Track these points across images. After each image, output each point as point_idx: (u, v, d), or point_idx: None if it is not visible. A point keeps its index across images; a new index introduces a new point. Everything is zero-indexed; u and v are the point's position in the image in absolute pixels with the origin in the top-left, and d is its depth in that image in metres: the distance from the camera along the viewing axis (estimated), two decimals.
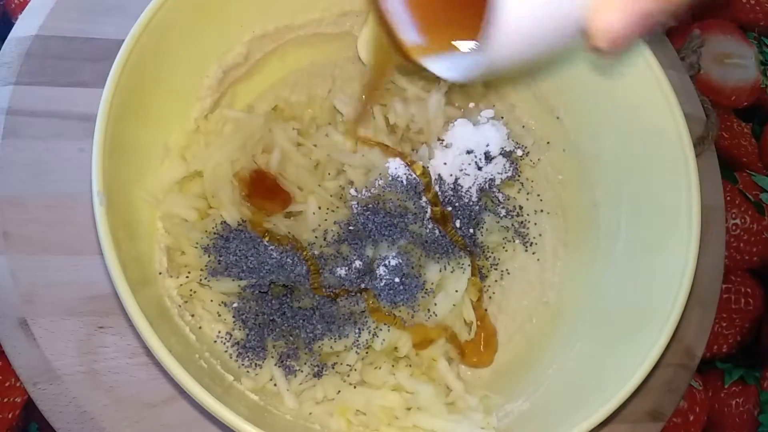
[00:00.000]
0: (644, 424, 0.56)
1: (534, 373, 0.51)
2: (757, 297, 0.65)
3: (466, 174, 0.55)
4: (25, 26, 0.56)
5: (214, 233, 0.50)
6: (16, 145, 0.53)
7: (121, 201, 0.44)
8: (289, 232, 0.52)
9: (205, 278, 0.49)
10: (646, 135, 0.48)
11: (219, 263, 0.50)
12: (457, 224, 0.54)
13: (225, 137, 0.52)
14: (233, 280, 0.50)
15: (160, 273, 0.48)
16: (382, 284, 0.50)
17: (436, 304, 0.51)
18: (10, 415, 0.53)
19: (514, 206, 0.57)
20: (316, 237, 0.52)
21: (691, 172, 0.46)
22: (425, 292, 0.51)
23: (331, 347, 0.49)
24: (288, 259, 0.50)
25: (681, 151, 0.47)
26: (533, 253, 0.57)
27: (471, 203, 0.54)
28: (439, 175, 0.55)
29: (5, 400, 0.53)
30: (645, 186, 0.50)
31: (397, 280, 0.50)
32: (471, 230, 0.54)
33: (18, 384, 0.52)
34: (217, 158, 0.51)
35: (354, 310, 0.50)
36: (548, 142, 0.58)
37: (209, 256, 0.50)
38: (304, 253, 0.51)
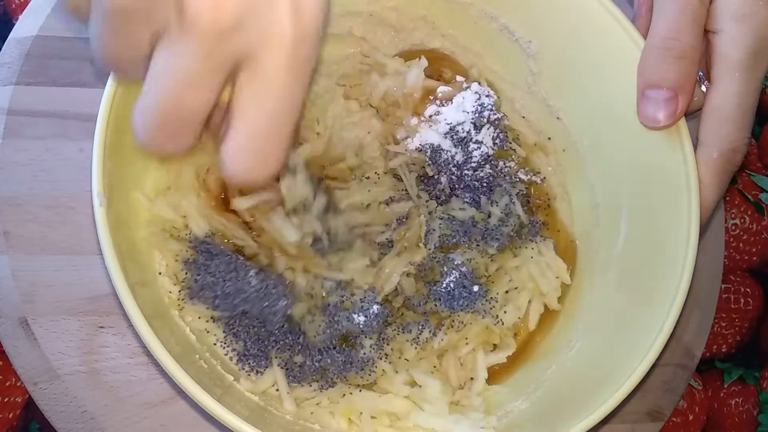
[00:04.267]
0: (643, 423, 0.56)
1: (533, 372, 0.51)
2: (756, 297, 0.65)
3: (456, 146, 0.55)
4: (25, 26, 0.56)
5: (192, 247, 0.49)
6: (17, 145, 0.53)
7: (121, 201, 0.44)
8: (260, 252, 0.50)
9: (182, 299, 0.48)
10: (646, 135, 0.48)
11: (195, 282, 0.48)
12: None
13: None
14: (207, 307, 0.48)
15: (159, 273, 0.48)
16: (442, 288, 0.51)
17: (506, 312, 0.52)
18: (10, 415, 0.53)
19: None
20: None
21: (690, 172, 0.46)
22: (487, 300, 0.52)
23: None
24: (272, 290, 0.48)
25: (681, 151, 0.47)
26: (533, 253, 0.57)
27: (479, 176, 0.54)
28: (431, 145, 0.55)
29: (6, 399, 0.53)
30: (645, 186, 0.50)
31: (457, 289, 0.51)
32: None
33: (19, 384, 0.52)
34: (179, 164, 0.50)
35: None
36: (549, 138, 0.57)
37: (186, 273, 0.48)
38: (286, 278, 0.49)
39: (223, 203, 0.52)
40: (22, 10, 0.57)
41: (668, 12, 0.46)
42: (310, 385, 0.48)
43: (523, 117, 0.58)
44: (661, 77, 0.46)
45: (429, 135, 0.55)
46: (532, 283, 0.54)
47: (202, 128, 0.33)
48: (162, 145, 0.33)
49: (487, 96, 0.56)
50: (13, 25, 0.57)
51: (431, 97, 0.56)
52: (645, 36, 0.48)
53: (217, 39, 0.30)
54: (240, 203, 0.51)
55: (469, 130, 0.55)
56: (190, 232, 0.50)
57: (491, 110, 0.55)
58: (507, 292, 0.54)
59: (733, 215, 0.66)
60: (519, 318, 0.53)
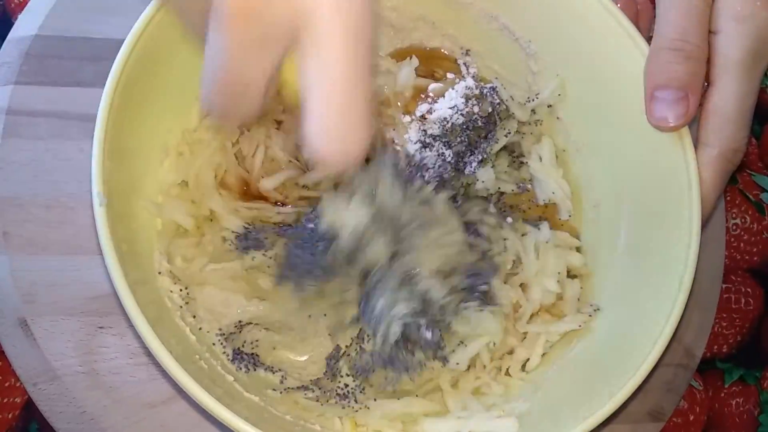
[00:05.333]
0: (644, 424, 0.56)
1: (533, 373, 0.51)
2: (757, 297, 0.65)
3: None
4: (24, 26, 0.56)
5: (242, 247, 0.50)
6: (16, 145, 0.53)
7: (120, 201, 0.44)
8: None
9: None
10: (646, 134, 0.48)
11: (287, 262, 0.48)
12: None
13: (204, 143, 0.51)
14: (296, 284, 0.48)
15: (159, 272, 0.48)
16: None
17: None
18: (10, 416, 0.53)
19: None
20: None
21: (691, 172, 0.46)
22: None
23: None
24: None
25: (681, 150, 0.47)
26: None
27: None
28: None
29: (5, 400, 0.53)
30: (645, 185, 0.50)
31: None
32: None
33: (18, 384, 0.52)
34: (197, 164, 0.50)
35: None
36: (549, 137, 0.57)
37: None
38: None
39: (246, 196, 0.53)
40: (22, 10, 0.57)
41: (674, 13, 0.46)
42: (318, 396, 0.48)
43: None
44: (670, 78, 0.46)
45: (418, 134, 0.54)
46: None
47: (265, 97, 0.35)
48: (223, 112, 0.35)
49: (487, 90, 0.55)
50: (13, 24, 0.57)
51: (422, 95, 0.56)
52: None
53: (248, 21, 0.32)
54: (267, 184, 0.52)
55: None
56: (234, 237, 0.50)
57: (492, 97, 0.55)
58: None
59: (733, 215, 0.66)
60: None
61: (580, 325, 0.51)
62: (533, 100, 0.56)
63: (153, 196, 0.49)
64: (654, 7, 0.53)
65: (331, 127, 0.33)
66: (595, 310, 0.51)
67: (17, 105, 0.54)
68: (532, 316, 0.52)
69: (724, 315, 0.63)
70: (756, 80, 0.46)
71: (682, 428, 0.60)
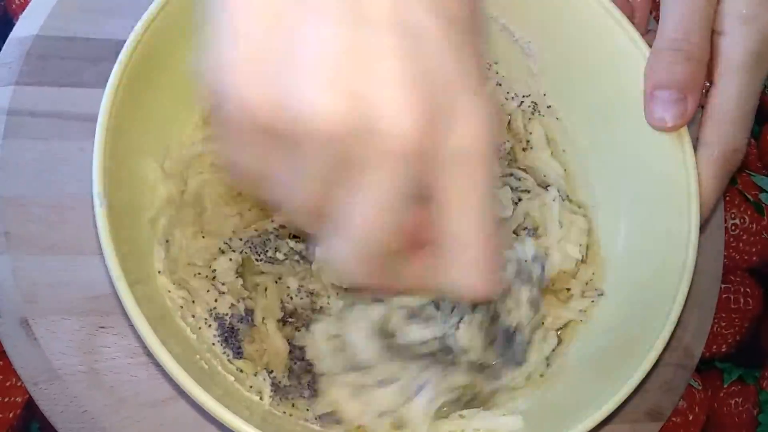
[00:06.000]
0: (643, 423, 0.56)
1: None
2: (756, 297, 0.65)
3: None
4: (25, 26, 0.56)
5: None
6: (17, 146, 0.53)
7: (121, 202, 0.44)
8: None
9: None
10: (646, 135, 0.48)
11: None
12: None
13: (205, 140, 0.52)
14: None
15: (159, 272, 0.48)
16: None
17: None
18: (11, 415, 0.53)
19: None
20: None
21: (690, 172, 0.46)
22: None
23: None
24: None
25: (681, 150, 0.47)
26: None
27: None
28: None
29: (6, 399, 0.53)
30: (644, 186, 0.50)
31: None
32: None
33: (19, 384, 0.52)
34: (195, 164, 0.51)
35: None
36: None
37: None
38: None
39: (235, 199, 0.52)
40: (23, 10, 0.57)
41: (677, 13, 0.46)
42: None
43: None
44: (669, 78, 0.46)
45: None
46: None
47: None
48: (371, 279, 0.33)
49: None
50: (14, 24, 0.57)
51: None
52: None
53: (415, 158, 0.29)
54: None
55: None
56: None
57: None
58: None
59: (732, 215, 0.66)
60: None
61: (581, 311, 0.51)
62: (530, 104, 0.56)
63: (152, 196, 0.49)
64: (649, 5, 0.53)
65: (481, 263, 0.32)
66: (599, 295, 0.51)
67: (18, 105, 0.54)
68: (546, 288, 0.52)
69: (723, 315, 0.63)
70: (758, 82, 0.47)
71: (681, 428, 0.61)
